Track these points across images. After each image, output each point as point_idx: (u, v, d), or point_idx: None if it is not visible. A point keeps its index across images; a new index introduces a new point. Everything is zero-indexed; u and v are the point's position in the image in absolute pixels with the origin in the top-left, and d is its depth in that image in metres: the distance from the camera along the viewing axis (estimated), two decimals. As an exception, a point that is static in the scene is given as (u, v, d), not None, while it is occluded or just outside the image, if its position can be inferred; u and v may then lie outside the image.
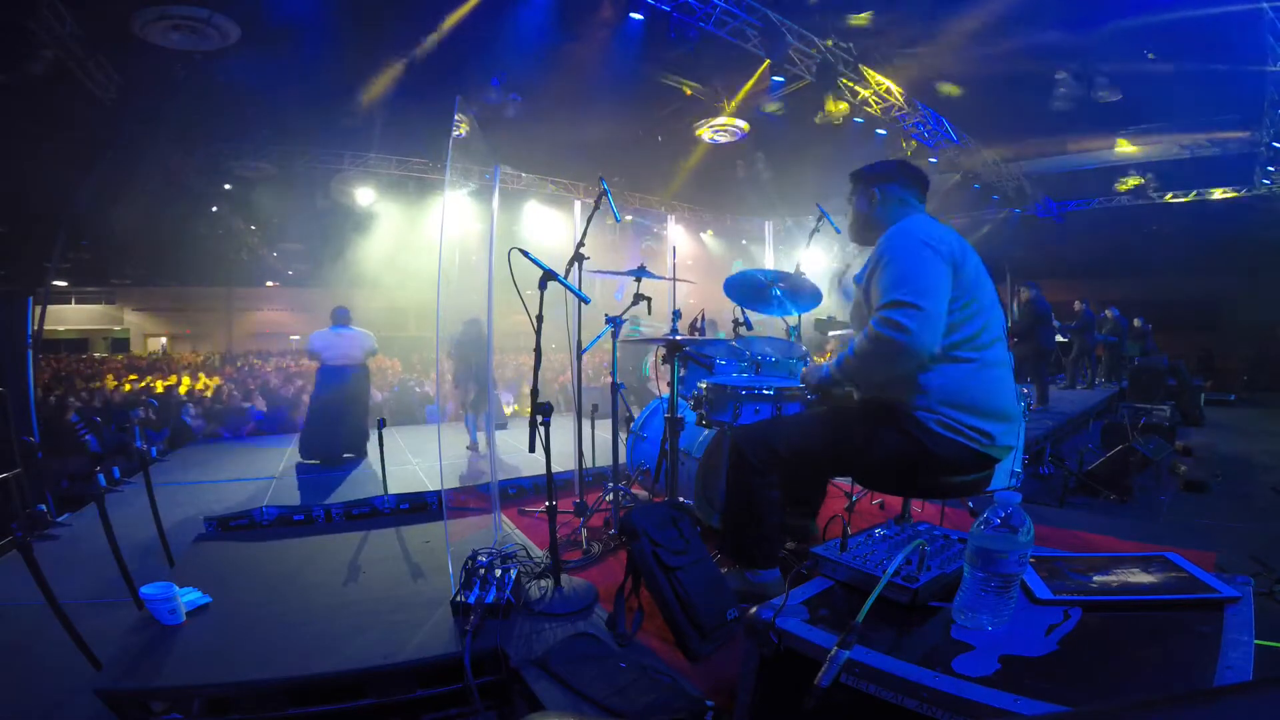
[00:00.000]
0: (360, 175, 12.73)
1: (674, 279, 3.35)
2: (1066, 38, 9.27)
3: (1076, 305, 9.51)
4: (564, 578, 2.30)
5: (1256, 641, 1.14)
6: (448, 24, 8.94)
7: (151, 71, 9.02)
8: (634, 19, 8.93)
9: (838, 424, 1.98)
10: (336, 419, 5.79)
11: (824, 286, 3.18)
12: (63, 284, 19.13)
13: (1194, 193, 13.27)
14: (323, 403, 5.87)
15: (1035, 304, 7.20)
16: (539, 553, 2.63)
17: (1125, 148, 12.18)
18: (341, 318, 6.03)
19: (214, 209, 13.95)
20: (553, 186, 14.13)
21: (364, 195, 13.01)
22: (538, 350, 2.37)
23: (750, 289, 3.05)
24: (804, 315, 3.27)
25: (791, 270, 3.28)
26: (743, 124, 12.10)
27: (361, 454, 5.90)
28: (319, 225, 14.31)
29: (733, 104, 11.43)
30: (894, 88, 10.81)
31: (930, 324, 1.68)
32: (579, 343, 3.01)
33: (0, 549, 3.43)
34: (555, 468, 2.35)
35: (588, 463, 3.44)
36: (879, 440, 1.88)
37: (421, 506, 3.59)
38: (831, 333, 3.80)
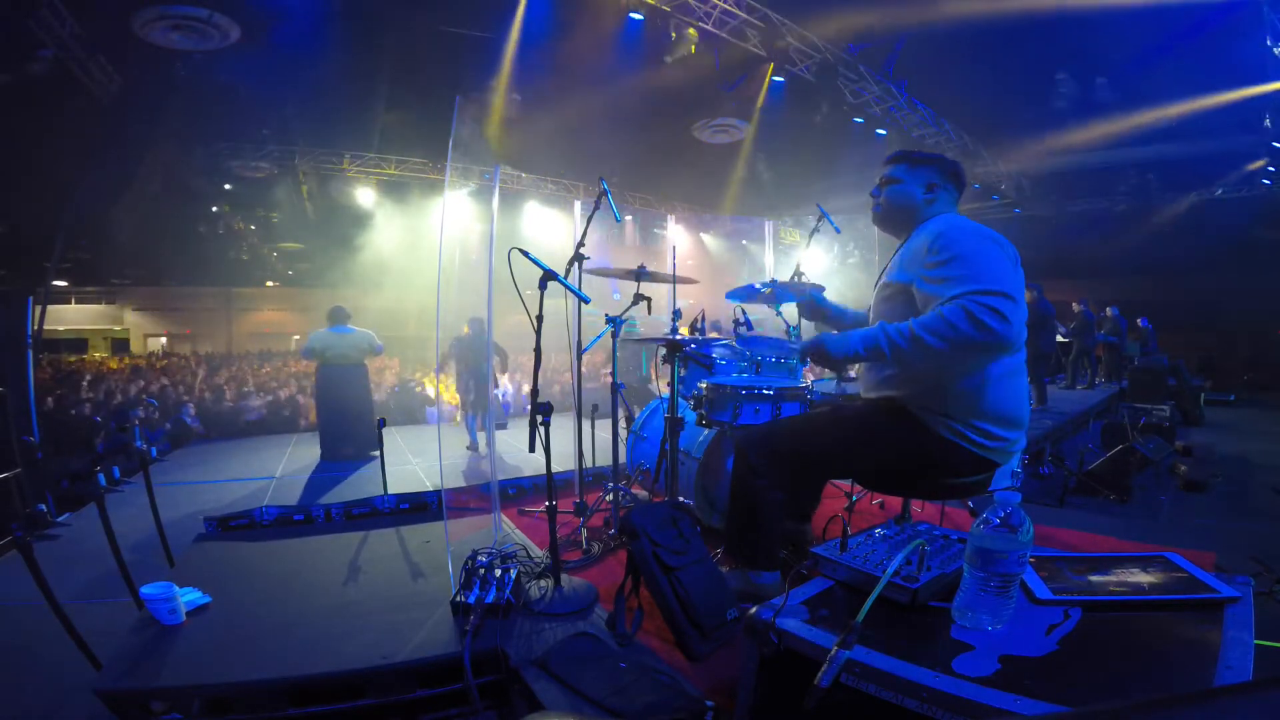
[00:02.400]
0: (360, 175, 12.73)
1: (674, 280, 3.35)
2: (1067, 37, 9.28)
3: (1075, 306, 9.51)
4: (564, 578, 2.30)
5: (1256, 641, 1.15)
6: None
7: (151, 71, 9.02)
8: (634, 19, 8.94)
9: (843, 427, 1.97)
10: (349, 416, 5.87)
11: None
12: (63, 284, 19.13)
13: (1194, 193, 13.27)
14: (331, 401, 5.93)
15: (1037, 306, 7.21)
16: (539, 553, 2.63)
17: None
18: (340, 317, 6.02)
19: (214, 209, 13.95)
20: (553, 186, 14.13)
21: (364, 195, 13.02)
22: (538, 350, 2.37)
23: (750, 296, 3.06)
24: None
25: (791, 271, 3.29)
26: (742, 124, 12.11)
27: (367, 454, 5.90)
28: (319, 225, 14.32)
29: (752, 122, 11.47)
30: (893, 87, 10.80)
31: (1022, 319, 1.63)
32: (579, 343, 3.01)
33: (0, 549, 3.44)
34: (555, 468, 2.35)
35: (588, 463, 3.44)
36: (885, 445, 1.86)
37: (421, 506, 3.58)
38: None
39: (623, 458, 3.23)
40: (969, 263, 1.66)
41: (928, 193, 1.94)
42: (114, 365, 15.73)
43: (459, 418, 6.78)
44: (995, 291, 1.59)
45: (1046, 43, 9.42)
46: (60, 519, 4.17)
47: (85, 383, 10.62)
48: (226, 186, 13.05)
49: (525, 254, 2.31)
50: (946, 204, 1.95)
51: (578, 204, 13.82)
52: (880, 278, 2.00)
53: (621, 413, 3.21)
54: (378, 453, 5.81)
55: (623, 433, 3.28)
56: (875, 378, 1.97)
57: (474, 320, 6.29)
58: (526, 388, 4.92)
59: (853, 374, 3.29)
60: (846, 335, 1.78)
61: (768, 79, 10.34)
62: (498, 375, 7.07)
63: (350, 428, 5.90)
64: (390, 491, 3.71)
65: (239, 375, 12.48)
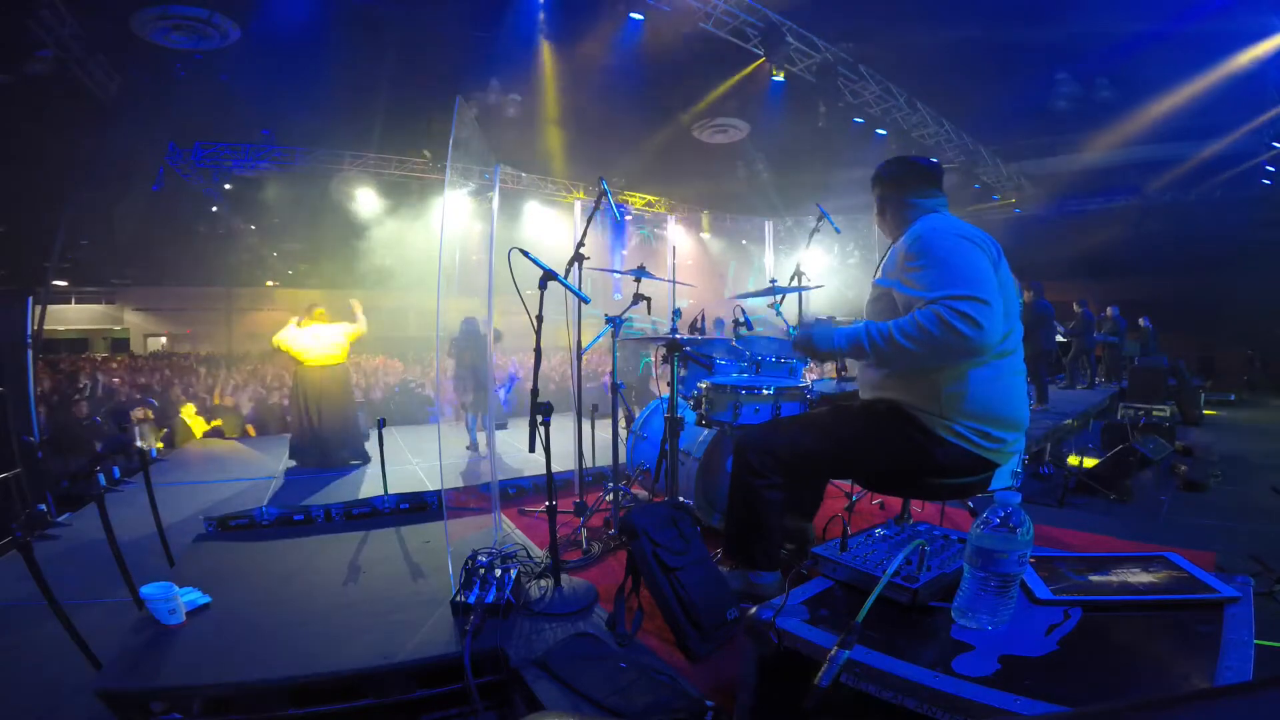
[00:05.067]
0: (360, 175, 12.74)
1: (674, 281, 3.35)
2: (1068, 37, 9.28)
3: (1075, 307, 9.51)
4: (564, 578, 2.30)
5: (1256, 641, 1.14)
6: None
7: (151, 71, 9.03)
8: (634, 19, 8.93)
9: (841, 427, 1.97)
10: (325, 421, 5.52)
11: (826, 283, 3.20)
12: (63, 284, 19.12)
13: (1194, 192, 13.28)
14: (305, 406, 5.56)
15: (1037, 305, 7.21)
16: (539, 553, 2.63)
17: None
18: (313, 315, 5.65)
19: (214, 209, 13.96)
20: (552, 186, 14.14)
21: (364, 195, 13.02)
22: (538, 350, 2.37)
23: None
24: (804, 313, 3.28)
25: (791, 271, 3.30)
26: (742, 124, 12.12)
27: (362, 458, 5.66)
28: (319, 225, 14.33)
29: (752, 122, 11.42)
30: (893, 87, 10.81)
31: (997, 322, 1.63)
32: (579, 342, 3.01)
33: (0, 549, 3.43)
34: (555, 468, 2.35)
35: (588, 463, 3.44)
36: (883, 445, 1.87)
37: (421, 506, 3.59)
38: None
39: (623, 458, 3.23)
40: (944, 266, 1.69)
41: (912, 198, 1.97)
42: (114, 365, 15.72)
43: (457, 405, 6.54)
44: (968, 296, 1.62)
45: (1046, 41, 9.42)
46: (60, 519, 4.16)
47: (84, 384, 10.61)
48: (226, 186, 13.06)
49: (525, 254, 2.31)
50: (934, 204, 1.97)
51: (578, 204, 13.83)
52: (872, 280, 2.02)
53: (621, 413, 3.22)
54: (360, 462, 5.52)
55: (623, 433, 3.28)
56: (873, 379, 1.97)
57: (466, 320, 6.24)
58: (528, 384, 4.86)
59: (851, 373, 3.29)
60: (832, 331, 1.87)
61: (759, 75, 10.30)
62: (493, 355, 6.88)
63: (326, 434, 5.52)
64: (390, 491, 3.71)
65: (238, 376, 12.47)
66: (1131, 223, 14.11)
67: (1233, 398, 10.81)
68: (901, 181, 2.00)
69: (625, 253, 15.43)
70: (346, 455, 5.64)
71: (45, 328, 12.17)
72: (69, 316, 21.36)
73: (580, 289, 2.66)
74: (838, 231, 3.84)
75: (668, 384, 2.70)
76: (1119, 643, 1.21)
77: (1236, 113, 10.65)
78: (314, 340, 5.59)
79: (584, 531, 2.85)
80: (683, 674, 1.74)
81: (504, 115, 10.67)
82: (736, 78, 10.46)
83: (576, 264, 2.96)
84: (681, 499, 2.71)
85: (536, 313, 2.35)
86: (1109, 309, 10.47)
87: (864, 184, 2.10)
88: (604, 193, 3.06)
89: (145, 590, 2.07)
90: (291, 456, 5.67)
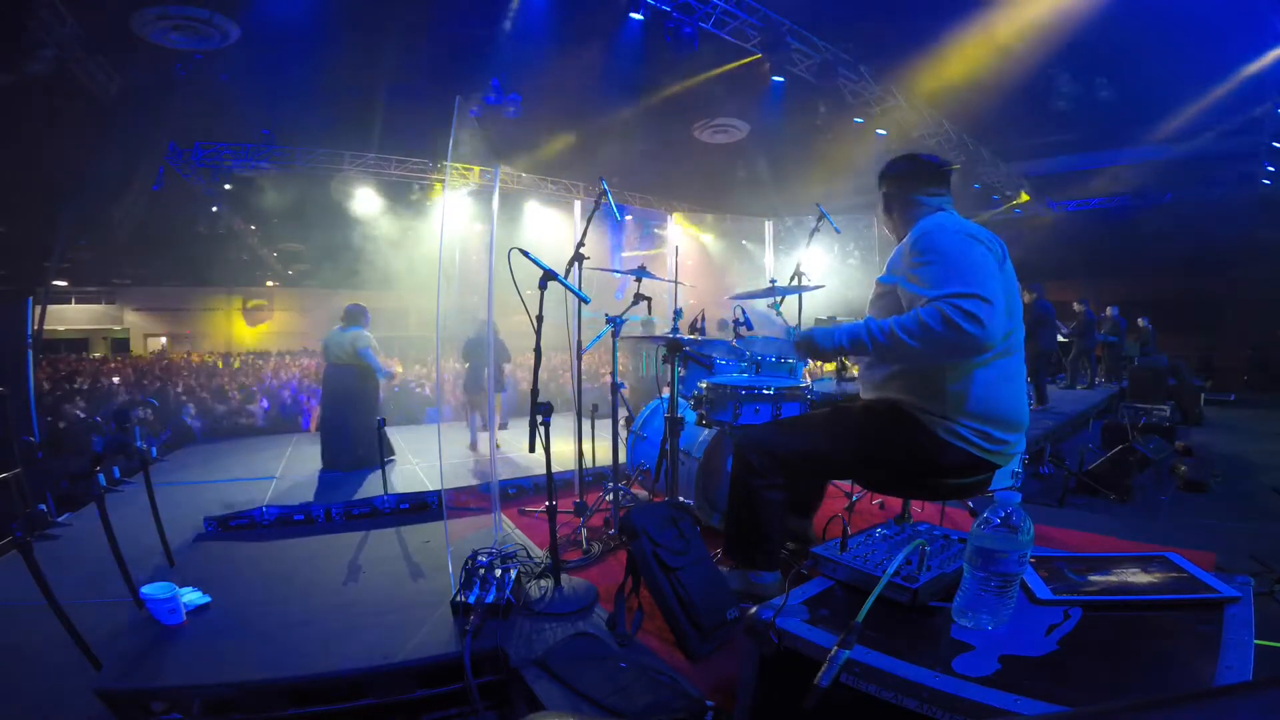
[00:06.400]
0: (360, 175, 12.74)
1: (675, 280, 3.35)
2: (1066, 37, 9.28)
3: (1076, 306, 9.51)
4: (564, 578, 2.30)
5: (1256, 641, 1.15)
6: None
7: (151, 71, 9.02)
8: (634, 19, 8.93)
9: (841, 428, 1.97)
10: (340, 422, 5.52)
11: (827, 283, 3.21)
12: (63, 284, 19.12)
13: (1194, 192, 13.27)
14: (324, 406, 5.69)
15: (1037, 306, 7.21)
16: (539, 553, 2.64)
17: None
18: (346, 316, 5.69)
19: (214, 209, 13.96)
20: (552, 186, 14.14)
21: (364, 195, 13.03)
22: (538, 350, 2.37)
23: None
24: (805, 313, 3.29)
25: (791, 271, 3.30)
26: (742, 124, 12.11)
27: (374, 464, 5.39)
28: (319, 225, 14.33)
29: (752, 122, 11.41)
30: (894, 87, 10.79)
31: (999, 320, 1.64)
32: (579, 343, 3.01)
33: (0, 549, 3.43)
34: (555, 468, 2.35)
35: (588, 463, 3.44)
36: (884, 446, 1.87)
37: (421, 506, 3.59)
38: None
39: (623, 458, 3.23)
40: (948, 264, 1.69)
41: (918, 195, 1.98)
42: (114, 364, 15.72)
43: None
44: (970, 294, 1.62)
45: (1047, 42, 9.42)
46: (60, 519, 4.16)
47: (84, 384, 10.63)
48: (226, 186, 13.06)
49: (525, 254, 2.31)
50: (940, 202, 1.97)
51: (578, 204, 13.83)
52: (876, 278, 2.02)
53: (622, 413, 3.22)
54: (378, 468, 5.48)
55: (623, 433, 3.28)
56: (874, 379, 1.97)
57: (485, 323, 6.24)
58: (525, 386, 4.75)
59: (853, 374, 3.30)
60: (833, 329, 1.87)
61: (759, 75, 10.27)
62: (502, 373, 6.90)
63: (343, 433, 5.49)
64: (390, 491, 3.71)
65: (240, 377, 12.50)
66: (1131, 223, 14.12)
67: (1233, 397, 10.81)
68: (908, 179, 2.00)
69: (625, 255, 15.42)
70: (348, 460, 5.47)
71: (45, 328, 12.18)
72: (69, 316, 21.36)
73: (580, 289, 2.66)
74: (838, 231, 3.85)
75: (668, 384, 2.71)
76: (1119, 643, 1.21)
77: (1236, 112, 10.65)
78: (333, 339, 5.61)
79: (584, 531, 2.86)
80: (683, 674, 1.74)
81: (504, 115, 10.66)
82: (730, 66, 10.40)
83: (576, 264, 2.96)
84: (681, 499, 2.71)
85: (537, 313, 2.35)
86: (1109, 309, 10.47)
87: (864, 184, 2.12)
88: (604, 192, 3.06)
89: (145, 590, 2.07)
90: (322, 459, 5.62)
